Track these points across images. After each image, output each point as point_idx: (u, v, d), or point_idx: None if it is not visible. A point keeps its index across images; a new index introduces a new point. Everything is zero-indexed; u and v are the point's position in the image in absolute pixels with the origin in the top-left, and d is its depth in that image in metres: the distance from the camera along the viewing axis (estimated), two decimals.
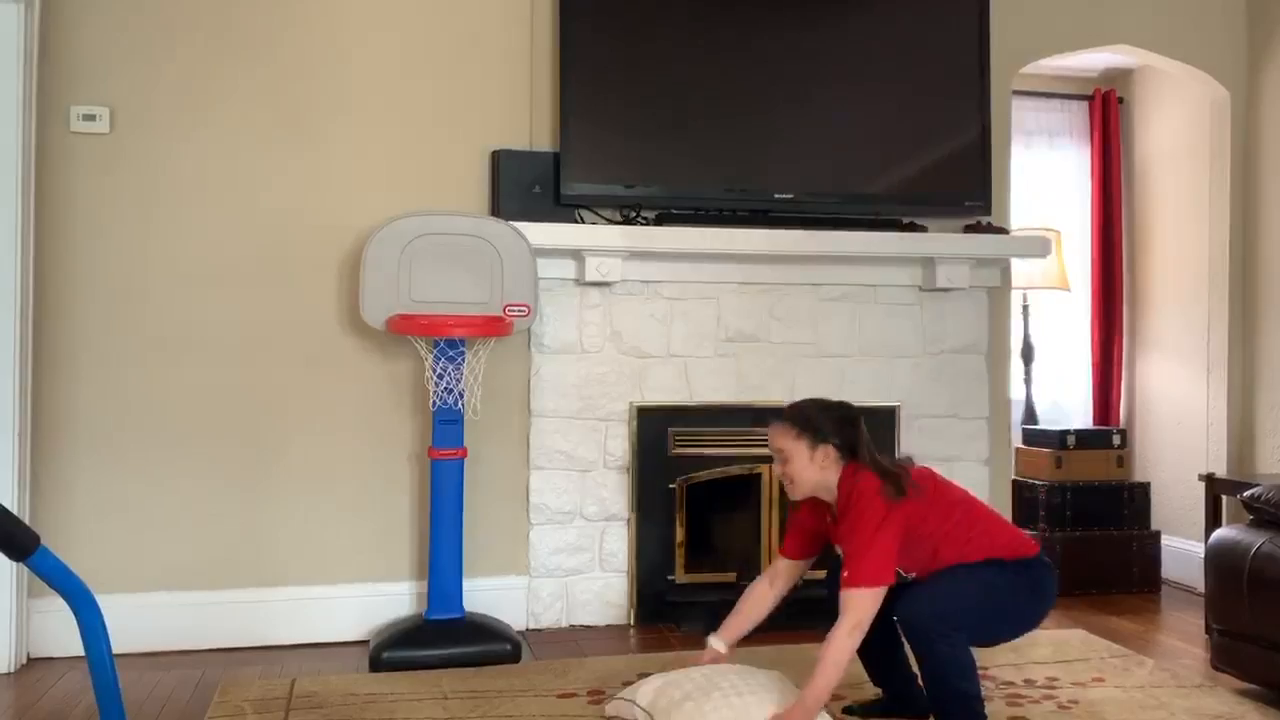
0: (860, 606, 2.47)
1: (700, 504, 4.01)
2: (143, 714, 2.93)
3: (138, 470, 3.56)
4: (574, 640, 3.73)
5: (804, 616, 3.83)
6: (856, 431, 2.65)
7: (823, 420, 2.65)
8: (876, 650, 2.76)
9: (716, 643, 2.79)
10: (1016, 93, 4.55)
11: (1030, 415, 5.00)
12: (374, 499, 3.75)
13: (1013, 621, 2.66)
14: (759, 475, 4.00)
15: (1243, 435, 4.51)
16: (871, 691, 2.91)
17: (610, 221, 3.88)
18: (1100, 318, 5.11)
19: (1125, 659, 3.39)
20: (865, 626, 2.49)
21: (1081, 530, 4.48)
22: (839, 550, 2.70)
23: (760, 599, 2.82)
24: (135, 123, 3.58)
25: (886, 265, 4.10)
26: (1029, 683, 3.13)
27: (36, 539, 1.72)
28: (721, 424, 3.99)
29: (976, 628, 2.57)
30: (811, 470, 2.64)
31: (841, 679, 2.50)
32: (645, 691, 2.70)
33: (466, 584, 3.58)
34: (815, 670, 2.47)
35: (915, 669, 2.70)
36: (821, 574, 2.85)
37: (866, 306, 4.12)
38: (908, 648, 2.65)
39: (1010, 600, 2.60)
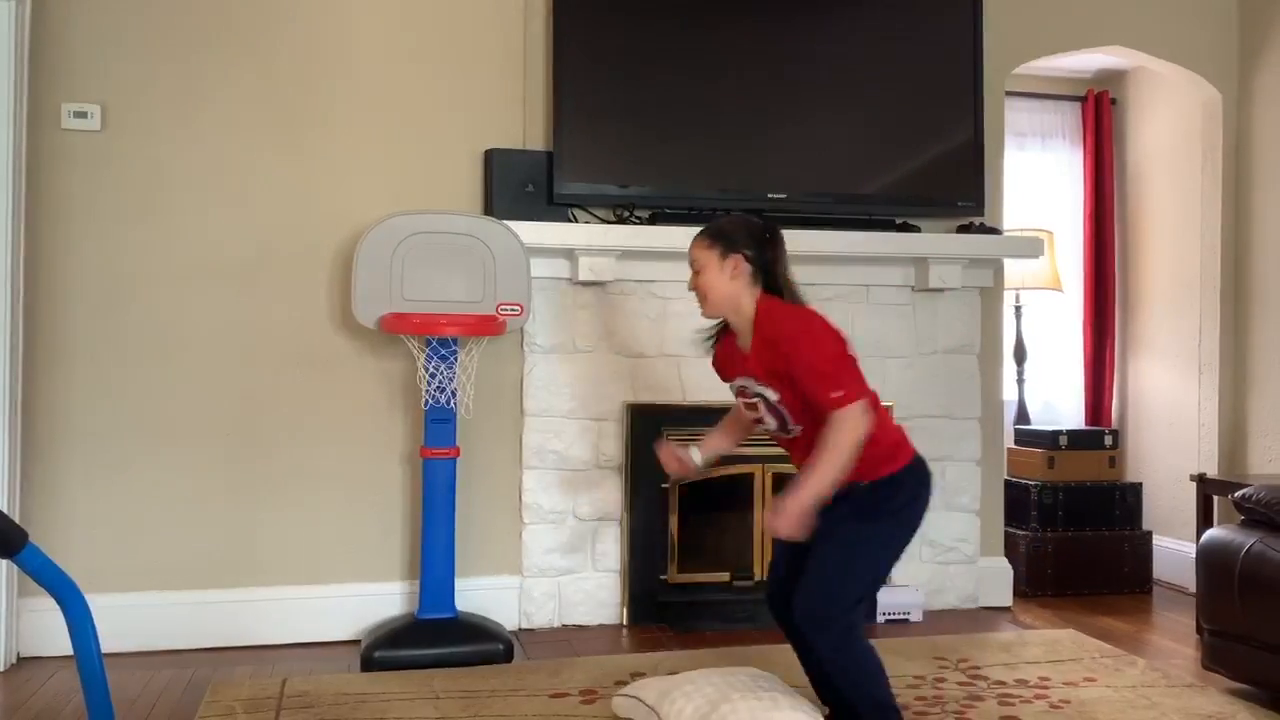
0: (854, 417, 2.31)
1: (693, 504, 4.00)
2: (133, 714, 2.92)
3: (129, 469, 3.55)
4: (566, 640, 3.72)
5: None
6: (773, 250, 2.50)
7: (737, 231, 2.52)
8: (816, 667, 2.63)
9: (695, 453, 2.76)
10: (1009, 93, 4.56)
11: (1022, 416, 5.00)
12: (366, 498, 3.74)
13: (897, 555, 2.51)
14: (752, 476, 4.00)
15: (1234, 436, 4.52)
16: None
17: (603, 221, 3.88)
18: (1092, 318, 5.13)
19: (1117, 659, 3.39)
20: (862, 436, 2.33)
21: (1073, 530, 4.49)
22: (742, 383, 2.54)
23: (735, 429, 2.81)
24: (127, 121, 3.57)
25: (879, 265, 4.10)
26: (1021, 682, 3.14)
27: (25, 536, 1.71)
28: (715, 424, 3.98)
29: (872, 587, 2.60)
30: (721, 281, 2.48)
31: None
32: (649, 690, 2.68)
33: (459, 584, 3.57)
34: (814, 464, 2.33)
35: None
36: None
37: (859, 307, 4.12)
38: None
39: (890, 545, 2.48)
